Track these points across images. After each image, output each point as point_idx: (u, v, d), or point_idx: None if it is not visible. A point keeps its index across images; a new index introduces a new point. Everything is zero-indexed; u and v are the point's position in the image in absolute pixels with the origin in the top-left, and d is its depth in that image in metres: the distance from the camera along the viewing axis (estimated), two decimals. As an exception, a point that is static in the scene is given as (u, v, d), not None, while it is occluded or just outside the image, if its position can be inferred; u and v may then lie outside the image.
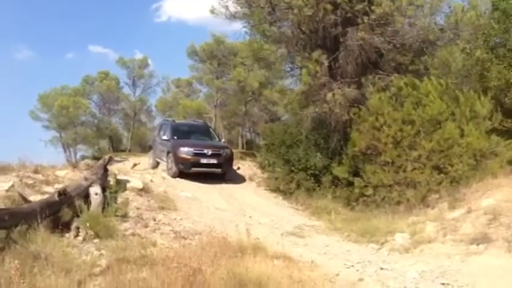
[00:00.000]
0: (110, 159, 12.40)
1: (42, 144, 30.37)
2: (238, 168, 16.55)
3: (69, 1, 66.71)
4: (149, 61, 34.50)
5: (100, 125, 32.02)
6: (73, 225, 7.62)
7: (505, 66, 12.66)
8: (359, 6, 12.42)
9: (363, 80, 13.40)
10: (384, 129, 11.67)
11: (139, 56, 46.21)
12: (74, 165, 12.81)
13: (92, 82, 33.04)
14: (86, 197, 8.75)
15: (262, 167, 15.92)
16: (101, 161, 11.24)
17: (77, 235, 7.49)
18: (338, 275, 7.06)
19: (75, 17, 65.83)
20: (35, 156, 11.68)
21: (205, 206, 11.53)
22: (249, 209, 11.88)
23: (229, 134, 29.95)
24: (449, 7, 13.73)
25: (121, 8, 69.78)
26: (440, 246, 7.98)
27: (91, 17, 67.92)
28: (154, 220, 9.31)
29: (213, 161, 14.19)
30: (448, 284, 6.56)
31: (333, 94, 12.96)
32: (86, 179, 9.58)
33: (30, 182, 9.74)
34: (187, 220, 9.85)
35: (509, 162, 10.75)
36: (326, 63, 13.33)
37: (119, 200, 9.65)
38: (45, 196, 8.40)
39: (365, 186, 12.00)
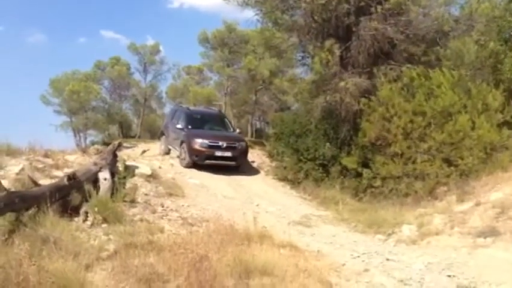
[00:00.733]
0: (120, 145, 12.43)
1: (53, 129, 30.44)
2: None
3: (81, -14, 66.45)
4: (161, 47, 34.42)
5: (110, 110, 32.01)
6: (82, 210, 7.70)
7: (519, 59, 12.48)
8: (373, -5, 12.29)
9: (374, 70, 13.33)
10: (395, 120, 11.62)
11: (150, 42, 46.10)
12: (84, 150, 12.89)
13: (103, 67, 33.03)
14: (95, 182, 8.83)
15: (271, 156, 15.89)
16: (110, 147, 11.28)
17: (85, 219, 7.57)
18: (343, 265, 7.07)
19: (87, 1, 65.70)
20: (45, 140, 11.69)
21: (213, 194, 11.57)
22: (256, 197, 11.91)
23: (238, 122, 29.84)
24: (464, -2, 13.56)
25: (133, -7, 69.47)
26: (447, 238, 7.97)
27: (103, 1, 67.79)
28: (162, 206, 9.37)
29: (228, 154, 13.86)
30: (454, 276, 6.54)
31: (345, 83, 12.87)
32: (95, 164, 9.65)
33: (40, 166, 9.82)
34: (195, 207, 9.90)
35: (520, 156, 10.62)
36: (338, 53, 13.27)
37: (128, 185, 9.71)
38: (55, 180, 8.48)
39: (374, 177, 12.00)
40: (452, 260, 7.08)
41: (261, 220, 8.29)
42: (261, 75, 26.38)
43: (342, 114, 13.56)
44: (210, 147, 13.74)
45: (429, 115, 11.24)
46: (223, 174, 13.39)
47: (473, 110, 11.05)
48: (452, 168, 10.65)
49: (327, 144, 13.83)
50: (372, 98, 12.50)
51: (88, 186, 8.20)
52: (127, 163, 11.30)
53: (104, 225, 7.45)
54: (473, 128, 10.77)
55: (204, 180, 12.56)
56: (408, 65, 12.84)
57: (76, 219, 7.55)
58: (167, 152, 15.84)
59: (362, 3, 12.66)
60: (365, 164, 12.56)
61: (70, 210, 7.54)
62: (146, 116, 34.99)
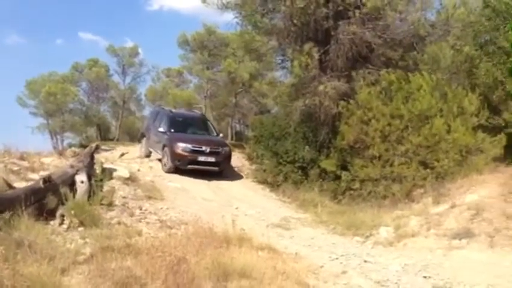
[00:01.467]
0: (97, 148, 12.31)
1: (29, 131, 30.09)
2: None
3: (59, -14, 65.56)
4: (140, 50, 34.31)
5: (88, 112, 31.69)
6: (58, 213, 7.57)
7: (493, 64, 12.71)
8: (351, 0, 12.40)
9: (353, 74, 13.48)
10: (373, 123, 11.75)
11: (129, 44, 45.81)
12: (61, 153, 12.71)
13: (81, 69, 32.69)
14: (71, 184, 8.69)
15: (250, 159, 15.89)
16: (87, 149, 11.15)
17: (61, 223, 7.44)
18: (322, 267, 7.11)
19: (65, 2, 64.90)
20: (21, 142, 11.54)
21: (192, 197, 11.52)
22: (235, 200, 11.89)
23: (218, 125, 29.79)
24: (440, 3, 13.84)
25: (113, -5, 68.84)
26: (423, 240, 8.10)
27: (82, 3, 67.04)
28: (140, 209, 9.27)
29: (211, 159, 13.63)
30: (429, 277, 6.65)
31: (325, 86, 12.97)
32: (72, 166, 9.50)
33: (15, 168, 9.64)
34: (174, 210, 9.82)
35: (495, 159, 10.84)
36: (317, 56, 13.37)
37: (106, 188, 9.58)
38: (31, 183, 8.33)
39: (352, 180, 12.10)
40: (428, 262, 7.20)
41: (240, 223, 8.30)
42: (241, 78, 26.46)
43: (321, 117, 13.65)
44: (193, 152, 13.50)
45: (406, 118, 11.41)
46: (203, 177, 13.31)
47: (449, 113, 11.25)
48: (428, 170, 10.83)
49: (306, 147, 13.91)
50: (351, 101, 12.62)
51: (64, 189, 8.07)
52: (105, 166, 11.17)
53: (80, 229, 7.34)
54: (448, 132, 10.97)
55: (183, 183, 12.49)
56: (386, 69, 13.00)
57: (51, 222, 7.43)
58: (148, 155, 15.62)
59: (341, 8, 12.78)
60: (344, 167, 12.67)
61: (45, 214, 7.40)
62: (125, 119, 34.74)
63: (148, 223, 8.58)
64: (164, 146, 13.95)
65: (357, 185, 11.93)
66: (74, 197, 8.16)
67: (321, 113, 13.57)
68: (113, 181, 10.34)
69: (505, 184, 8.93)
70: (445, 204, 9.04)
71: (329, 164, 13.08)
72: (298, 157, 13.85)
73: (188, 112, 18.76)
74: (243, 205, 11.46)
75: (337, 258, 7.69)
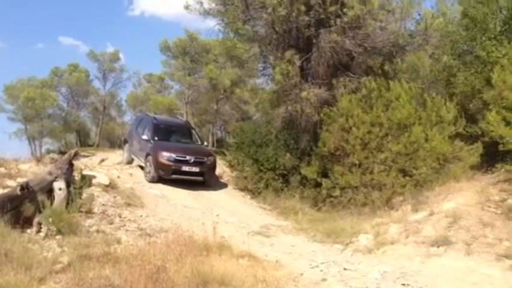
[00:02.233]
0: (76, 154, 12.14)
1: (6, 137, 29.59)
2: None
3: (39, -10, 64.91)
4: (121, 55, 34.16)
5: (67, 118, 31.28)
6: (35, 221, 7.50)
7: (471, 73, 12.98)
8: (332, 9, 12.54)
9: (334, 81, 13.56)
10: (353, 131, 11.84)
11: (110, 49, 45.45)
12: (39, 159, 12.58)
13: (61, 74, 32.32)
14: (49, 192, 8.60)
15: (231, 166, 15.86)
16: (66, 156, 10.99)
17: (39, 231, 7.37)
18: (302, 274, 7.12)
19: (46, 6, 64.23)
20: (-2, 148, 11.33)
21: (173, 204, 11.46)
22: (216, 207, 11.86)
23: (199, 131, 29.76)
24: (419, 14, 14.04)
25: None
26: (402, 247, 8.15)
27: (62, 7, 66.42)
28: (120, 217, 9.21)
29: (195, 169, 13.41)
30: (408, 285, 6.70)
31: (307, 93, 13.04)
32: (50, 173, 9.39)
33: (-8, 175, 9.50)
34: (154, 217, 9.77)
35: (472, 167, 11.02)
36: (298, 64, 13.43)
37: (84, 195, 9.50)
38: (7, 190, 8.20)
39: (333, 187, 12.16)
40: (406, 269, 7.25)
41: (220, 230, 8.28)
42: (223, 85, 26.49)
43: (303, 124, 13.73)
44: (177, 161, 13.27)
45: (386, 126, 11.53)
46: (184, 184, 13.22)
47: (427, 122, 11.41)
48: (407, 178, 10.94)
49: (287, 154, 13.94)
50: (332, 108, 12.71)
51: (42, 197, 7.98)
52: (84, 172, 11.07)
53: (58, 237, 7.26)
54: (426, 140, 11.11)
55: (163, 190, 12.43)
56: (367, 77, 13.14)
57: (28, 230, 7.35)
58: (130, 162, 15.42)
59: (322, 16, 12.87)
60: (325, 174, 12.72)
61: (22, 221, 7.33)
62: (105, 124, 34.40)
63: (127, 231, 8.53)
64: (147, 154, 13.68)
65: (337, 193, 11.99)
66: (52, 204, 8.09)
67: (302, 120, 13.65)
68: (92, 188, 10.24)
69: (482, 192, 9.07)
70: (423, 212, 9.14)
71: (309, 171, 13.12)
72: (279, 164, 13.88)
73: (172, 119, 18.47)
74: (224, 212, 11.43)
75: (317, 266, 7.72)
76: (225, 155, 16.81)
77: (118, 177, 12.49)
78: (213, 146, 27.43)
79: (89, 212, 8.77)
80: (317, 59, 13.51)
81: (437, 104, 11.77)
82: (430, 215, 8.84)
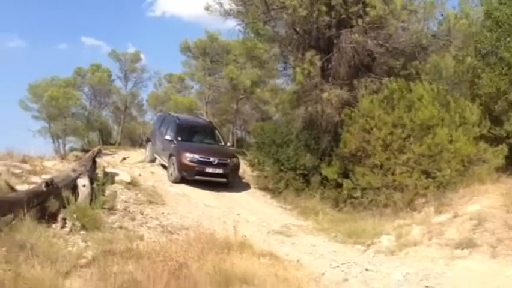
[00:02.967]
0: (99, 152, 12.31)
1: (30, 134, 30.06)
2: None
3: (63, -9, 65.76)
4: (142, 55, 34.41)
5: (90, 117, 31.70)
6: (60, 216, 7.60)
7: (496, 74, 12.76)
8: (354, 9, 12.45)
9: (355, 82, 13.47)
10: (375, 132, 11.73)
11: (131, 49, 45.82)
12: (63, 157, 12.78)
13: (83, 74, 32.74)
14: (73, 188, 8.72)
15: (252, 166, 15.86)
16: (89, 153, 11.17)
17: (63, 226, 7.47)
18: (323, 274, 7.12)
19: (68, 7, 64.91)
20: (23, 146, 11.53)
21: (194, 202, 11.53)
22: (237, 206, 11.90)
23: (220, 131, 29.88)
24: (442, 14, 13.85)
25: (115, 0, 69.10)
26: (425, 249, 8.06)
27: (85, 7, 67.15)
28: (142, 214, 9.30)
29: (219, 170, 13.33)
30: (431, 287, 6.62)
31: (328, 93, 12.98)
32: (74, 170, 9.54)
33: (17, 171, 9.68)
34: (175, 215, 9.85)
35: (497, 169, 10.85)
36: (319, 64, 13.36)
37: (107, 192, 9.62)
38: (33, 186, 8.35)
39: (354, 188, 12.05)
40: (429, 271, 7.16)
41: (241, 229, 8.28)
42: (243, 85, 26.52)
43: (323, 124, 13.65)
44: (201, 162, 13.19)
45: (408, 127, 11.40)
46: (205, 183, 13.25)
47: (451, 123, 11.25)
48: (430, 180, 10.79)
49: (308, 154, 13.88)
50: (353, 109, 12.63)
51: (66, 193, 8.10)
52: (107, 170, 11.19)
53: (82, 232, 7.36)
54: (450, 141, 10.95)
55: (184, 189, 12.51)
56: (388, 78, 13.02)
57: (53, 225, 7.45)
58: (153, 160, 15.45)
59: (343, 16, 12.79)
60: (345, 175, 12.63)
61: (47, 217, 7.43)
62: (127, 124, 34.73)
63: (149, 228, 8.61)
64: (171, 155, 13.66)
65: (358, 193, 11.90)
66: (76, 200, 8.20)
67: (323, 120, 13.57)
68: (115, 185, 10.36)
69: (507, 194, 8.91)
70: (447, 214, 9.03)
71: (330, 172, 13.05)
72: (299, 164, 13.83)
73: (195, 119, 18.35)
74: (244, 211, 11.47)
75: (338, 266, 7.69)
76: (245, 154, 16.84)
77: (140, 175, 12.61)
78: (233, 145, 27.50)
79: (112, 209, 8.87)
80: (338, 60, 13.43)
81: (460, 105, 11.61)
82: (454, 217, 8.72)
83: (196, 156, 13.22)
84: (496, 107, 12.63)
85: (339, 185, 12.73)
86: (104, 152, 16.88)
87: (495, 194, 9.14)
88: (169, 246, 6.85)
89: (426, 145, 10.99)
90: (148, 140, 16.97)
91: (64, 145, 30.91)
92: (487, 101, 12.71)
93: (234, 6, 14.53)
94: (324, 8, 12.57)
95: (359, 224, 10.15)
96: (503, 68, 12.68)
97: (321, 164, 13.56)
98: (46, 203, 7.60)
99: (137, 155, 18.10)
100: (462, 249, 7.63)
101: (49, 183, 7.85)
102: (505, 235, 7.67)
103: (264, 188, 14.42)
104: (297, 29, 14.00)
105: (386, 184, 11.33)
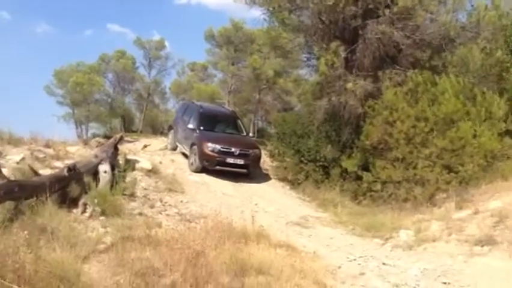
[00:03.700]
0: (121, 139, 12.45)
1: (55, 120, 30.55)
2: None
3: (90, -22, 66.39)
4: (166, 43, 34.48)
5: (113, 104, 31.97)
6: (81, 201, 7.74)
7: (526, 69, 12.46)
8: (381, -1, 12.26)
9: (379, 73, 13.28)
10: (397, 125, 11.59)
11: (156, 37, 46.10)
12: (85, 142, 12.95)
13: (108, 60, 32.99)
14: (95, 174, 8.87)
15: (272, 156, 15.84)
16: (112, 140, 11.30)
17: (84, 211, 7.60)
18: (339, 267, 7.10)
19: (94, -6, 65.60)
20: (47, 130, 11.76)
21: (213, 191, 11.59)
22: (255, 196, 11.92)
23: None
24: (472, 5, 13.51)
25: (142, -12, 69.40)
26: (444, 245, 7.96)
27: (111, -6, 67.73)
28: (161, 201, 9.40)
29: (240, 161, 13.26)
30: (449, 283, 6.55)
31: (353, 85, 12.85)
32: (96, 156, 9.68)
33: (41, 156, 9.87)
34: (194, 203, 9.93)
35: (521, 165, 10.60)
36: (343, 55, 13.25)
37: (128, 179, 9.73)
38: (55, 171, 8.50)
39: (374, 181, 11.97)
40: (448, 267, 7.08)
41: (259, 219, 8.32)
42: (266, 75, 26.46)
43: (345, 116, 13.53)
44: (222, 153, 13.16)
45: (432, 121, 11.22)
46: (225, 172, 13.29)
47: (476, 117, 11.03)
48: (452, 174, 10.62)
49: (329, 146, 13.79)
50: (377, 101, 12.48)
51: (87, 178, 8.25)
52: (128, 157, 11.32)
53: (102, 218, 7.49)
54: (475, 136, 10.74)
55: (203, 177, 12.57)
56: (413, 70, 12.80)
57: (74, 210, 7.60)
58: (175, 148, 15.53)
59: (370, 6, 12.61)
60: (366, 168, 12.54)
61: (68, 201, 7.57)
62: (149, 111, 34.94)
63: (168, 215, 8.71)
64: (192, 144, 13.67)
65: (378, 187, 11.80)
66: (97, 186, 8.33)
67: (346, 112, 13.44)
68: (135, 172, 10.50)
69: (531, 192, 8.73)
70: (468, 210, 8.88)
71: (350, 164, 12.96)
72: (320, 156, 13.76)
73: (218, 108, 18.14)
74: (263, 201, 11.48)
75: (355, 260, 7.66)
76: (265, 145, 16.83)
77: (160, 162, 12.73)
78: (253, 135, 27.50)
79: (132, 195, 9.00)
80: (363, 51, 13.25)
81: (487, 99, 11.36)
82: (475, 213, 8.58)
83: (218, 147, 13.18)
84: (524, 102, 12.31)
85: (359, 178, 12.66)
86: (126, 139, 17.06)
87: (518, 191, 8.95)
88: (187, 234, 6.88)
89: (449, 139, 10.81)
90: (170, 128, 16.99)
91: (87, 131, 31.37)
92: (515, 96, 12.40)
93: (260, -6, 14.45)
94: (351, -3, 12.41)
95: (377, 217, 10.08)
96: (532, 62, 12.35)
97: (341, 156, 13.49)
98: (68, 188, 7.75)
99: (158, 143, 18.21)
100: (482, 246, 7.51)
101: (71, 169, 7.99)
102: (527, 234, 7.52)
103: (284, 179, 14.39)
104: (323, 18, 13.85)
105: (406, 178, 11.20)
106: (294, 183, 14.06)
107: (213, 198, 10.78)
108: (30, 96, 49.86)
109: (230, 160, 13.21)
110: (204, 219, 8.29)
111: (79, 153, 11.05)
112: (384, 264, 7.39)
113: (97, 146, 11.75)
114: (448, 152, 10.85)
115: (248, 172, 13.69)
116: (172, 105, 35.65)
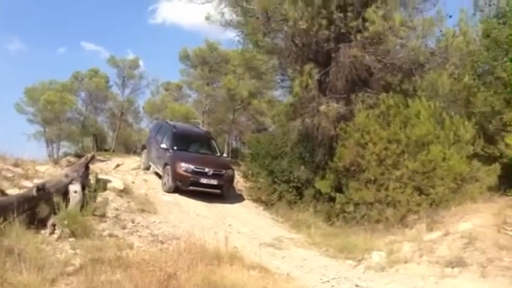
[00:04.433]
0: (93, 158, 12.24)
1: (25, 138, 29.95)
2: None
3: (64, -4, 65.98)
4: (141, 62, 34.44)
5: (85, 122, 31.50)
6: (49, 222, 7.57)
7: (491, 94, 12.82)
8: (353, 23, 12.52)
9: (352, 96, 13.51)
10: (370, 147, 11.76)
11: (130, 56, 45.97)
12: (56, 161, 12.74)
13: (81, 79, 32.62)
14: (65, 194, 8.69)
15: (245, 176, 15.82)
16: (83, 159, 11.12)
17: (52, 232, 7.43)
18: (313, 289, 7.06)
19: (70, 11, 65.24)
20: (16, 149, 11.49)
21: (186, 211, 11.48)
22: (229, 217, 11.84)
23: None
24: (441, 31, 13.92)
25: (117, 6, 69.38)
26: (415, 266, 8.05)
27: (86, 13, 67.42)
28: (133, 222, 9.26)
29: (214, 181, 13.15)
30: (420, 305, 6.60)
31: (326, 107, 13.01)
32: (66, 176, 9.50)
33: (9, 175, 9.62)
34: (166, 224, 9.80)
35: (489, 188, 10.85)
36: (317, 77, 13.42)
37: (99, 199, 9.58)
38: (24, 190, 8.30)
39: (347, 202, 12.07)
40: (419, 289, 7.14)
41: (232, 240, 8.26)
42: (240, 96, 26.55)
43: (319, 138, 13.65)
44: (196, 173, 13.05)
45: (403, 143, 11.43)
46: (198, 193, 13.17)
47: (445, 140, 11.28)
48: (423, 196, 10.81)
49: (302, 167, 13.88)
50: (349, 123, 12.66)
51: (57, 199, 8.07)
52: (100, 176, 11.14)
53: (71, 239, 7.32)
54: (444, 159, 10.98)
55: (176, 198, 12.45)
56: (385, 93, 13.05)
57: (42, 231, 7.41)
58: (148, 168, 15.34)
59: (342, 31, 12.87)
60: (339, 189, 12.64)
61: (37, 222, 7.39)
62: (122, 130, 34.60)
63: (140, 236, 8.57)
64: (165, 164, 13.52)
65: (351, 208, 11.89)
66: (66, 206, 8.15)
67: (319, 133, 13.57)
68: (107, 192, 10.33)
69: (499, 214, 8.92)
70: (438, 232, 9.02)
71: (323, 186, 13.04)
72: (293, 177, 13.83)
73: (192, 128, 17.98)
74: (236, 222, 11.41)
75: (328, 281, 7.66)
76: (239, 165, 16.81)
77: (133, 182, 12.57)
78: (227, 156, 27.44)
79: (102, 216, 8.83)
80: (336, 74, 13.47)
81: (455, 123, 11.65)
82: (445, 235, 8.71)
83: (191, 167, 13.07)
84: (490, 126, 12.67)
85: (332, 199, 12.74)
86: (98, 158, 16.82)
87: (487, 213, 9.15)
88: (159, 255, 6.79)
89: (420, 161, 11.03)
90: (143, 147, 16.79)
91: (58, 150, 30.80)
92: (482, 119, 12.74)
93: (234, 16, 14.63)
94: (324, 22, 12.64)
95: (350, 238, 10.14)
96: (498, 88, 12.74)
97: (315, 178, 13.57)
98: (37, 208, 7.57)
99: (131, 162, 18.01)
100: (452, 267, 7.62)
101: (40, 188, 7.82)
102: (496, 255, 7.67)
103: (257, 200, 14.35)
104: (297, 41, 14.07)
105: (378, 199, 11.33)
106: (267, 204, 14.03)
107: (186, 219, 10.67)
108: (1, 114, 48.71)
109: (204, 180, 13.09)
110: (177, 241, 8.20)
111: (48, 172, 10.83)
112: (357, 286, 7.41)
113: (67, 165, 11.55)
114: (419, 174, 11.05)
115: (222, 192, 13.56)
116: (146, 124, 35.44)
